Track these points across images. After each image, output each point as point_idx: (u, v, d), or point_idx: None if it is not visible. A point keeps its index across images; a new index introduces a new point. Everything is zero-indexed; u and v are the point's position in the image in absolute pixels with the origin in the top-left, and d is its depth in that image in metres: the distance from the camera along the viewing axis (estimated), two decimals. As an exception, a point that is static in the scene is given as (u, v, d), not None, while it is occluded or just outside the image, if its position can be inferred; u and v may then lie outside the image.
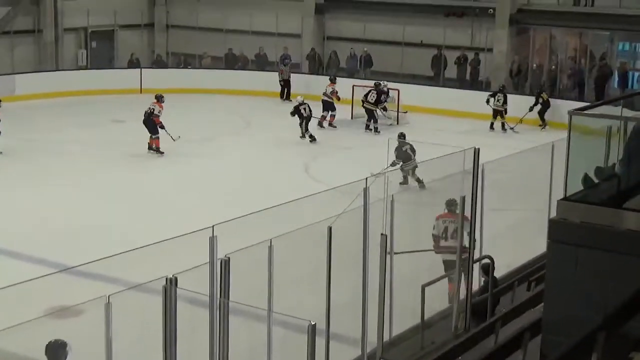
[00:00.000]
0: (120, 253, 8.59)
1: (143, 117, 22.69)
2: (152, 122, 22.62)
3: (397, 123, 27.09)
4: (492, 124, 26.38)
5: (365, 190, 9.58)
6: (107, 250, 9.72)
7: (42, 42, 33.21)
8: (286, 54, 32.74)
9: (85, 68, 33.69)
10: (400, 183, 21.48)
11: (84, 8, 33.58)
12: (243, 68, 33.83)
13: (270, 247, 8.71)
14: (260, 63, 34.01)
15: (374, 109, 26.19)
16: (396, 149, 19.90)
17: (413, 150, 19.73)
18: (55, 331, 9.65)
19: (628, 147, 8.29)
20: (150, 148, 22.66)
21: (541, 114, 26.57)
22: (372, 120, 26.13)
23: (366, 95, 26.34)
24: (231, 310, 8.21)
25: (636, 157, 8.26)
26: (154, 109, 22.71)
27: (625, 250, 6.71)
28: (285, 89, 31.24)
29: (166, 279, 7.58)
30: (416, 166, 20.44)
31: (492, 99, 26.29)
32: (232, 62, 34.27)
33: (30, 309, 9.08)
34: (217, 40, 34.71)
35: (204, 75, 32.77)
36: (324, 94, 26.76)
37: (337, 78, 28.05)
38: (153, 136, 22.69)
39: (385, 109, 26.66)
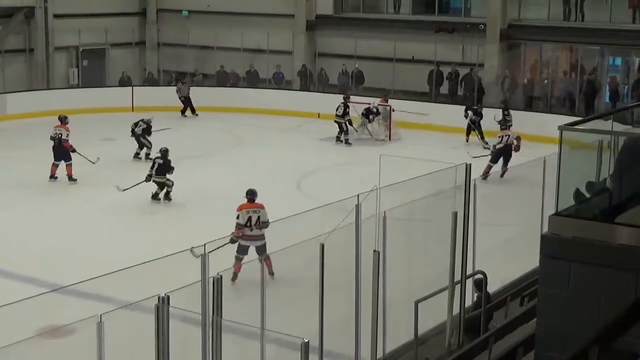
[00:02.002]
0: (112, 272, 8.57)
1: (53, 144, 21.45)
2: (63, 148, 21.32)
3: (390, 139, 27.13)
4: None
5: (358, 206, 9.59)
6: (99, 270, 9.70)
7: (34, 61, 33.26)
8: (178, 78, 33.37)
9: (77, 87, 33.69)
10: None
11: (75, 27, 33.65)
12: (234, 85, 33.84)
13: (262, 265, 8.72)
14: (252, 80, 34.02)
15: (342, 121, 26.63)
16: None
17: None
18: (47, 351, 9.62)
19: (619, 162, 8.31)
20: (70, 178, 21.26)
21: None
22: (341, 133, 26.67)
23: (336, 109, 26.83)
24: (224, 328, 8.20)
25: (627, 172, 8.28)
26: (61, 134, 21.43)
27: (617, 265, 6.72)
28: (187, 106, 31.51)
29: (158, 297, 7.57)
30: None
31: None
32: (223, 79, 34.29)
33: (21, 329, 9.05)
34: (208, 58, 34.80)
35: (196, 92, 32.76)
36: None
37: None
38: (66, 163, 21.26)
39: (350, 122, 26.92)
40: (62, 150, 21.27)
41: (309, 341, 8.40)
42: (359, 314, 9.86)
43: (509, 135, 22.64)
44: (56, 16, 33.32)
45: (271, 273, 12.65)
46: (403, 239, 11.21)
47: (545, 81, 30.77)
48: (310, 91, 32.42)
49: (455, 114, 27.72)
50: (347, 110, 26.93)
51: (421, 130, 27.80)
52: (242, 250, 13.41)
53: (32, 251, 15.86)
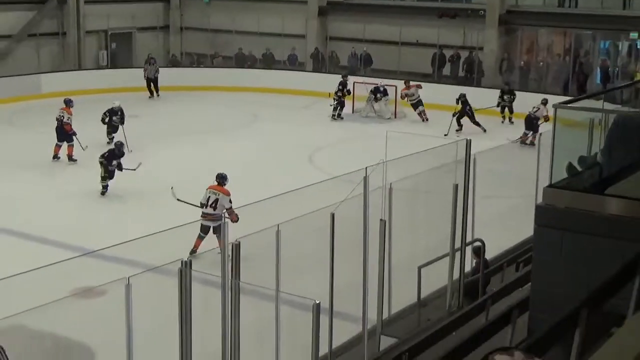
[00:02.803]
0: (139, 237, 8.61)
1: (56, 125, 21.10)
2: (63, 130, 21.03)
3: (395, 117, 27.13)
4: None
5: (365, 178, 9.58)
6: (127, 235, 9.75)
7: (66, 43, 33.26)
8: (151, 56, 32.02)
9: (106, 67, 33.70)
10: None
11: (105, 12, 33.63)
12: (251, 67, 33.80)
13: (278, 232, 8.72)
14: (267, 62, 34.01)
15: (336, 98, 27.05)
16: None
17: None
18: (80, 311, 9.68)
19: (609, 138, 8.30)
20: (70, 158, 20.96)
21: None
22: (336, 109, 27.08)
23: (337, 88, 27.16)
24: (242, 290, 8.23)
25: (616, 147, 8.26)
26: (63, 116, 21.12)
27: (607, 233, 6.71)
28: (152, 85, 31.16)
29: (182, 261, 7.60)
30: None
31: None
32: (241, 61, 34.26)
33: (56, 290, 9.09)
34: (227, 41, 34.75)
35: (216, 73, 32.77)
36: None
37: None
38: (68, 144, 21.04)
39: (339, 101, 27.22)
40: (63, 132, 21.03)
41: (320, 303, 8.43)
42: (366, 278, 9.87)
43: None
44: (87, 2, 33.27)
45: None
46: (407, 209, 11.22)
47: (541, 63, 30.67)
48: (321, 72, 32.33)
49: (455, 94, 27.70)
50: (344, 89, 27.13)
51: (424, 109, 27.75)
52: (204, 230, 13.41)
53: (66, 220, 15.95)
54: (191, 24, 36.57)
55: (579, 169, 8.02)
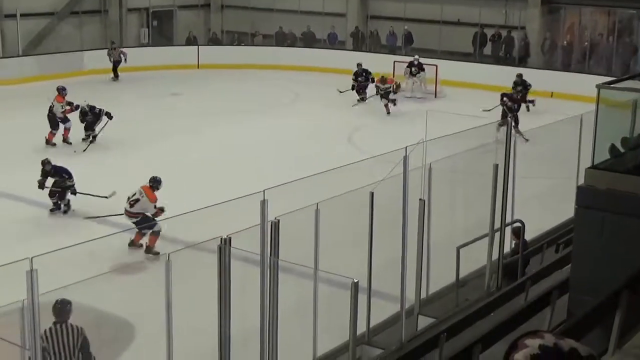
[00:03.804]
0: (179, 215, 8.67)
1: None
2: (53, 117, 20.29)
3: (435, 96, 27.00)
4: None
5: (405, 158, 9.56)
6: (167, 212, 9.82)
7: (108, 21, 33.45)
8: (114, 43, 30.99)
9: (147, 45, 33.86)
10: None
11: (146, -10, 33.83)
12: (292, 45, 33.75)
13: (317, 211, 8.74)
14: (308, 40, 33.92)
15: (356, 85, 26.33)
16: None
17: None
18: (121, 285, 9.79)
19: (653, 119, 8.19)
20: (64, 140, 20.43)
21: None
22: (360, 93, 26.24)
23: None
24: (280, 268, 8.27)
25: (661, 128, 8.15)
26: (52, 105, 20.25)
27: (649, 215, 6.66)
28: (115, 69, 29.96)
29: (221, 239, 7.65)
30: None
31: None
32: (281, 39, 34.24)
33: (97, 265, 9.21)
34: (267, 20, 34.71)
35: (256, 51, 32.82)
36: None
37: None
38: (64, 127, 20.39)
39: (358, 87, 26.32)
40: (52, 119, 20.29)
41: (358, 281, 8.45)
42: (405, 258, 9.87)
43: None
44: (129, -20, 33.47)
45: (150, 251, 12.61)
46: (447, 189, 11.19)
47: (585, 43, 30.28)
48: (362, 51, 32.19)
49: (497, 74, 27.46)
50: (357, 79, 26.44)
51: (464, 89, 27.55)
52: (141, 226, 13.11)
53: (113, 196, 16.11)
54: (232, 2, 36.53)
55: (622, 150, 7.94)
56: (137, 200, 13.24)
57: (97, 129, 20.51)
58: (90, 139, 20.46)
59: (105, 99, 25.61)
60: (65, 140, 20.41)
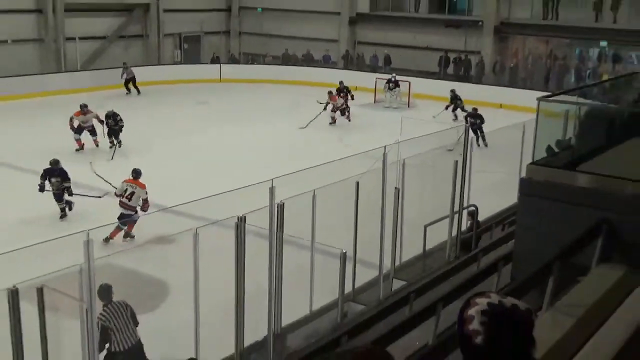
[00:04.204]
0: (205, 197, 8.66)
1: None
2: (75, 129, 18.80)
3: (408, 106, 26.97)
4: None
5: (384, 155, 9.59)
6: (195, 195, 9.78)
7: (148, 43, 33.46)
8: (125, 64, 29.24)
9: (179, 63, 33.85)
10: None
11: (179, 19, 33.79)
12: (294, 64, 33.70)
13: (314, 196, 8.76)
14: (308, 61, 33.89)
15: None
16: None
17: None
18: (158, 253, 9.80)
19: (581, 125, 8.22)
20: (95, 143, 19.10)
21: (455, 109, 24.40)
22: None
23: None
24: (284, 241, 8.30)
25: (587, 133, 8.18)
26: (71, 118, 18.76)
27: (576, 202, 6.66)
28: (132, 84, 28.68)
29: (238, 217, 7.67)
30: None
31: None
32: (286, 59, 34.21)
33: (139, 237, 9.22)
34: (276, 44, 34.70)
35: (266, 69, 32.81)
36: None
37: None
38: (93, 138, 19.05)
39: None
40: (78, 130, 18.76)
41: (346, 252, 8.49)
42: (383, 233, 9.91)
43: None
44: (165, 10, 33.39)
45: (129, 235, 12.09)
46: (417, 180, 11.18)
47: (529, 65, 30.37)
48: (350, 70, 32.18)
49: (458, 89, 27.36)
50: (345, 92, 24.72)
51: (432, 101, 27.52)
52: (123, 220, 12.18)
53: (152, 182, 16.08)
54: (247, 29, 36.59)
55: (556, 150, 7.96)
56: (133, 193, 12.43)
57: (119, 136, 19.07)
58: (116, 145, 18.98)
59: (145, 106, 25.71)
60: (81, 148, 18.91)
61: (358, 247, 9.52)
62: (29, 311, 5.96)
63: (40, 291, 5.96)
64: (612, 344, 4.04)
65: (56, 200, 13.68)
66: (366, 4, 33.60)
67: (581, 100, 9.07)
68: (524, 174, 7.29)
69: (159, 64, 32.65)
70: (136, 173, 12.86)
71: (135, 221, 12.35)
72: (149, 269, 10.26)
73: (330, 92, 23.67)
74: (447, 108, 24.35)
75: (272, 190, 7.95)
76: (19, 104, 25.20)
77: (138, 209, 12.49)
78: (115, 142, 19.04)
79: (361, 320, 7.71)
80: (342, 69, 32.49)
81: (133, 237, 12.27)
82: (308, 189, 8.63)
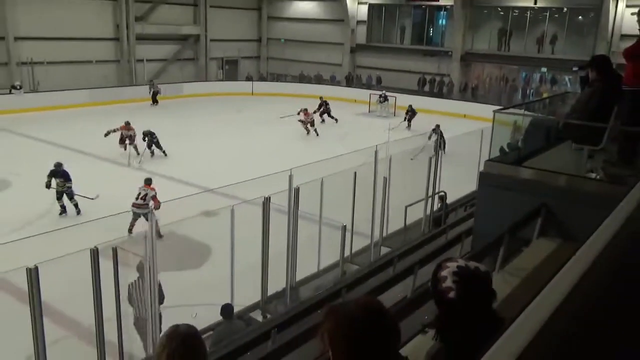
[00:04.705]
0: (239, 182, 8.66)
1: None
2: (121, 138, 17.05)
3: (394, 115, 26.83)
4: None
5: (376, 152, 9.54)
6: (232, 180, 9.76)
7: (198, 65, 33.33)
8: (152, 81, 28.43)
9: (221, 80, 33.74)
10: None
11: (222, 47, 33.66)
12: (308, 82, 33.54)
13: (322, 183, 8.73)
14: (318, 80, 33.70)
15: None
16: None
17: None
18: (204, 223, 9.78)
19: (526, 132, 8.12)
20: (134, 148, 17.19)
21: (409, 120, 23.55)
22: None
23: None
24: (299, 216, 8.28)
25: (531, 138, 8.09)
26: (115, 130, 16.93)
27: (522, 190, 6.61)
28: (154, 98, 27.40)
29: (264, 197, 7.65)
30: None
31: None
32: (302, 79, 34.03)
33: (190, 211, 9.17)
34: (294, 67, 34.56)
35: (287, 86, 32.68)
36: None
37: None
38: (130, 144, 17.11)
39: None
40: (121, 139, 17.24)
41: (345, 225, 8.43)
42: (374, 212, 9.88)
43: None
44: (211, 40, 33.26)
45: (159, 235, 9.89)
46: (400, 172, 11.14)
47: (486, 85, 30.14)
48: (351, 87, 32.06)
49: (430, 103, 27.36)
50: (325, 106, 24.05)
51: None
52: (135, 216, 11.04)
53: (200, 170, 16.11)
54: (273, 55, 36.43)
55: (507, 150, 7.88)
56: (146, 194, 11.10)
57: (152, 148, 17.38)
58: (149, 153, 17.29)
59: (194, 114, 25.65)
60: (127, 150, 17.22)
61: (355, 222, 9.50)
62: (106, 267, 5.97)
63: (115, 251, 5.97)
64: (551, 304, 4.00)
65: (57, 198, 12.17)
66: (363, 37, 33.34)
67: (527, 112, 8.98)
68: (482, 169, 7.23)
69: (206, 81, 32.56)
70: (147, 180, 11.42)
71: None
72: (196, 235, 10.28)
73: (305, 110, 21.70)
74: (405, 120, 23.56)
75: (291, 177, 7.92)
76: (101, 109, 25.22)
77: (151, 204, 10.88)
78: (149, 151, 17.38)
79: (356, 277, 7.69)
80: (345, 86, 32.37)
81: (162, 236, 9.88)
82: (317, 177, 8.61)
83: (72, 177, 12.27)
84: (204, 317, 7.02)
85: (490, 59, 29.32)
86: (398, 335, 1.67)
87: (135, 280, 6.82)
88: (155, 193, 11.17)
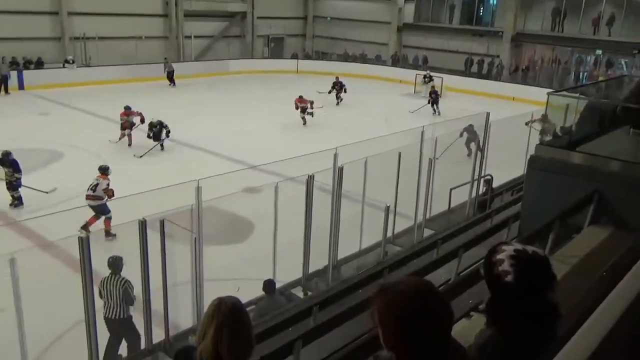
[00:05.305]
0: (283, 160, 8.67)
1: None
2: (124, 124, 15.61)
3: (441, 96, 26.36)
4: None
5: (422, 133, 9.39)
6: (276, 157, 9.79)
7: (244, 42, 33.42)
8: (167, 59, 26.89)
9: (267, 58, 33.80)
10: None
11: (268, 24, 33.62)
12: (353, 61, 33.24)
13: (366, 162, 8.67)
14: (363, 59, 33.36)
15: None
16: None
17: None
18: (248, 200, 9.88)
19: (581, 116, 7.85)
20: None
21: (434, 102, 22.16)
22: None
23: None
24: (343, 195, 8.25)
25: (585, 122, 7.82)
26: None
27: (574, 175, 6.40)
28: (171, 78, 26.09)
29: (308, 175, 7.64)
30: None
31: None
32: (347, 58, 33.73)
33: (234, 187, 9.28)
34: (339, 45, 34.28)
35: (332, 64, 32.44)
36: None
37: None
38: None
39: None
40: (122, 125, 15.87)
41: (389, 206, 8.36)
42: (418, 193, 9.77)
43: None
44: (258, 17, 33.26)
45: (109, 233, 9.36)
46: (447, 153, 10.96)
47: (537, 67, 29.23)
48: (397, 67, 31.61)
49: (480, 84, 26.71)
50: (334, 87, 23.10)
51: (459, 93, 26.86)
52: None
53: (244, 147, 16.24)
54: (318, 33, 36.19)
55: (560, 134, 7.64)
56: (97, 185, 9.89)
57: (161, 139, 15.51)
58: (158, 146, 15.45)
59: (241, 90, 25.83)
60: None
61: (398, 202, 9.41)
62: (152, 238, 6.09)
63: (162, 223, 6.07)
64: (619, 306, 3.86)
65: (7, 189, 10.78)
66: (411, 16, 32.74)
67: (581, 96, 8.65)
68: (532, 152, 7.03)
69: (252, 58, 32.67)
70: (102, 169, 10.18)
71: (110, 219, 9.76)
72: (240, 211, 10.40)
73: (300, 97, 19.86)
74: (429, 103, 22.38)
75: (335, 156, 7.88)
76: (150, 84, 25.68)
77: (105, 198, 9.83)
78: (158, 144, 15.55)
79: (398, 258, 7.64)
80: (391, 66, 31.95)
81: (114, 235, 9.47)
82: (361, 156, 8.54)
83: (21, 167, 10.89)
84: (247, 291, 7.11)
85: (542, 39, 28.37)
86: (450, 317, 1.63)
87: (106, 277, 6.49)
88: (109, 183, 9.88)
